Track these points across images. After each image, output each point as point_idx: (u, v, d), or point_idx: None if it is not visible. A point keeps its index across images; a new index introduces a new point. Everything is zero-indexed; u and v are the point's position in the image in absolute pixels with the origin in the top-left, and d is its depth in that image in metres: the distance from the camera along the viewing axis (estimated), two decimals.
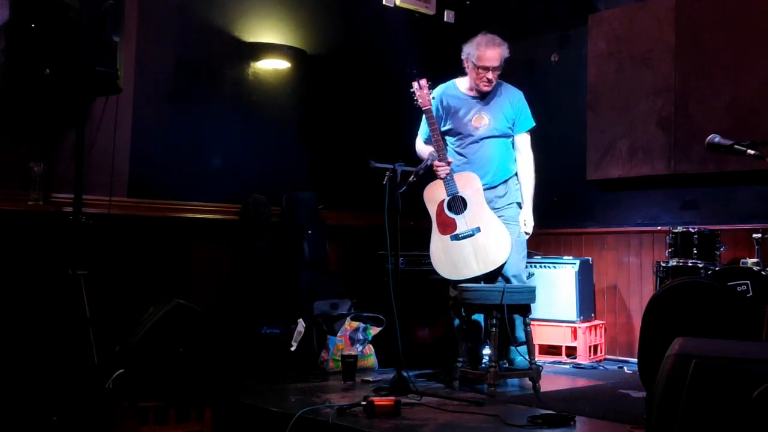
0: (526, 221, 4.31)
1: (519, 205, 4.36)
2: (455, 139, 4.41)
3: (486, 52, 4.21)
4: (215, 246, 4.78)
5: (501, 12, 6.09)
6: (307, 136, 5.30)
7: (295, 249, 4.92)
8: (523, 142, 4.40)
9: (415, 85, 4.21)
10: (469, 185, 4.20)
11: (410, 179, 4.08)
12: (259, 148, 5.06)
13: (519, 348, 4.24)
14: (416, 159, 4.23)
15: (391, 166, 4.04)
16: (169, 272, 4.51)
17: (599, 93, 5.48)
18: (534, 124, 4.42)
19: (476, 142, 4.33)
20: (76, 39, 3.53)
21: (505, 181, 4.34)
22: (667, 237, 4.64)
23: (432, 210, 4.25)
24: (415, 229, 4.89)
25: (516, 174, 4.40)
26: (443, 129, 4.40)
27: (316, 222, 5.04)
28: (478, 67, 4.22)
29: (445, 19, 6.12)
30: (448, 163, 4.21)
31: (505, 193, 4.34)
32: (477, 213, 4.14)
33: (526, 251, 4.40)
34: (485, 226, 4.11)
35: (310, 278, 4.90)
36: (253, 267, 4.71)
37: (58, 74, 3.57)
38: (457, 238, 4.13)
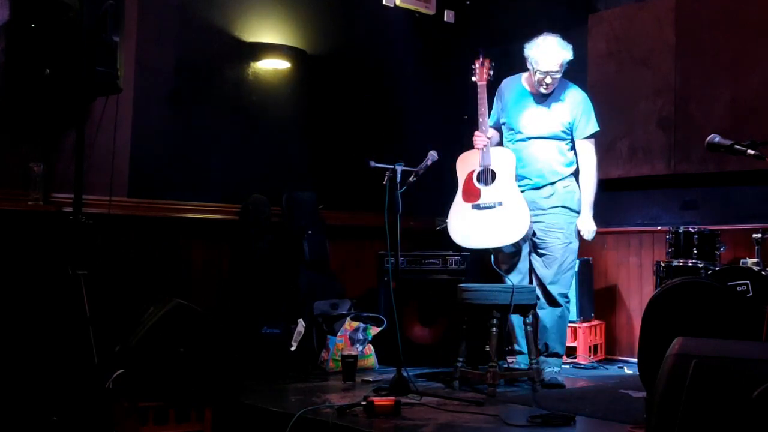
0: (583, 228, 4.22)
1: (570, 210, 4.27)
2: (507, 132, 4.41)
3: (546, 57, 4.15)
4: (215, 246, 4.78)
5: (501, 12, 6.09)
6: (307, 136, 5.30)
7: (295, 249, 4.92)
8: (583, 147, 4.30)
9: (477, 62, 4.28)
10: (502, 160, 4.20)
11: (410, 179, 4.09)
12: (259, 148, 5.05)
13: (552, 359, 4.23)
14: (416, 159, 4.23)
15: (391, 166, 4.05)
16: (169, 272, 4.51)
17: (599, 93, 5.46)
18: (598, 129, 4.32)
19: (524, 140, 4.31)
20: (76, 39, 3.52)
21: (552, 183, 4.27)
22: (667, 237, 4.63)
23: (461, 176, 4.27)
24: (415, 229, 4.90)
25: (569, 177, 4.31)
26: (502, 121, 4.44)
27: (316, 222, 5.04)
28: (537, 71, 4.19)
29: (445, 19, 6.12)
30: (489, 137, 4.23)
31: (551, 195, 4.27)
32: (502, 188, 4.13)
33: (569, 261, 4.26)
34: (507, 201, 4.09)
35: (310, 278, 4.90)
36: (253, 267, 4.70)
37: (58, 74, 3.57)
38: (477, 207, 4.14)
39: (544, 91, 4.25)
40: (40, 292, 3.86)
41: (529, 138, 4.30)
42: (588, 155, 4.31)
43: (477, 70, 4.28)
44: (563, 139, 4.31)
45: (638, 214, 5.40)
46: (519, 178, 4.28)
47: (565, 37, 4.26)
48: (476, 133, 4.24)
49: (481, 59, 4.29)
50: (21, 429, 3.46)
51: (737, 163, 4.43)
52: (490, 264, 4.32)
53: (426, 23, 6.01)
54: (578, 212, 4.30)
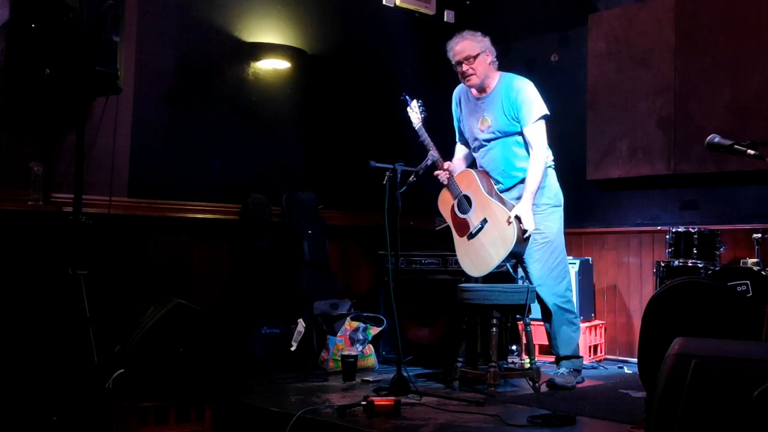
0: (512, 218, 3.95)
1: (547, 205, 4.19)
2: (472, 142, 4.40)
3: (453, 47, 4.25)
4: (215, 246, 4.78)
5: (501, 12, 6.09)
6: (306, 136, 5.30)
7: (295, 249, 4.92)
8: (529, 134, 4.14)
9: (408, 109, 4.33)
10: (467, 182, 4.19)
11: (410, 179, 4.10)
12: (259, 148, 5.06)
13: (563, 361, 4.19)
14: (416, 159, 4.24)
15: (391, 166, 4.05)
16: (169, 272, 4.51)
17: (599, 93, 5.48)
18: (543, 113, 4.14)
19: (483, 145, 4.31)
20: (76, 39, 3.53)
21: (522, 182, 4.16)
22: (667, 237, 4.63)
23: (446, 216, 4.27)
24: (415, 229, 4.89)
25: None
26: (464, 138, 4.45)
27: (316, 222, 5.04)
28: (454, 64, 4.25)
29: (445, 19, 6.12)
30: (446, 169, 4.22)
31: (521, 195, 4.17)
32: (480, 205, 4.11)
33: (553, 259, 4.16)
34: (490, 214, 4.07)
35: (310, 278, 4.90)
36: (253, 267, 4.71)
37: (58, 74, 3.57)
38: (471, 236, 4.12)
39: (469, 84, 4.25)
40: (41, 292, 3.86)
41: (486, 141, 4.29)
42: (534, 141, 4.12)
43: (411, 117, 4.33)
44: (516, 133, 4.21)
45: (638, 214, 5.39)
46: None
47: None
48: (435, 172, 4.26)
49: (409, 106, 4.34)
50: (21, 429, 3.46)
51: (737, 163, 4.44)
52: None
53: (426, 23, 6.01)
54: (556, 205, 4.24)
